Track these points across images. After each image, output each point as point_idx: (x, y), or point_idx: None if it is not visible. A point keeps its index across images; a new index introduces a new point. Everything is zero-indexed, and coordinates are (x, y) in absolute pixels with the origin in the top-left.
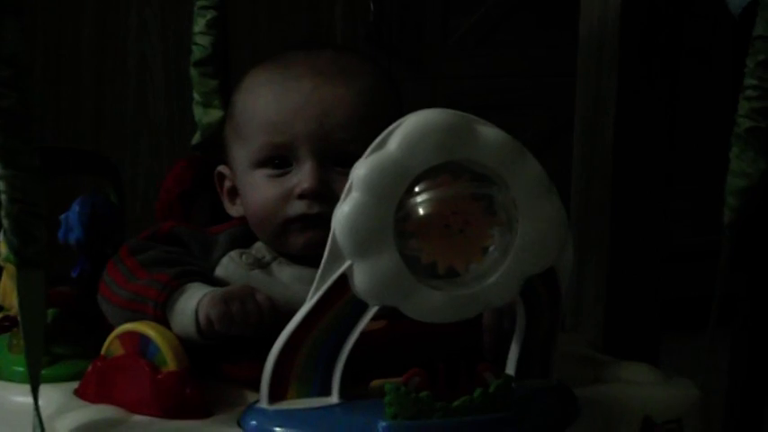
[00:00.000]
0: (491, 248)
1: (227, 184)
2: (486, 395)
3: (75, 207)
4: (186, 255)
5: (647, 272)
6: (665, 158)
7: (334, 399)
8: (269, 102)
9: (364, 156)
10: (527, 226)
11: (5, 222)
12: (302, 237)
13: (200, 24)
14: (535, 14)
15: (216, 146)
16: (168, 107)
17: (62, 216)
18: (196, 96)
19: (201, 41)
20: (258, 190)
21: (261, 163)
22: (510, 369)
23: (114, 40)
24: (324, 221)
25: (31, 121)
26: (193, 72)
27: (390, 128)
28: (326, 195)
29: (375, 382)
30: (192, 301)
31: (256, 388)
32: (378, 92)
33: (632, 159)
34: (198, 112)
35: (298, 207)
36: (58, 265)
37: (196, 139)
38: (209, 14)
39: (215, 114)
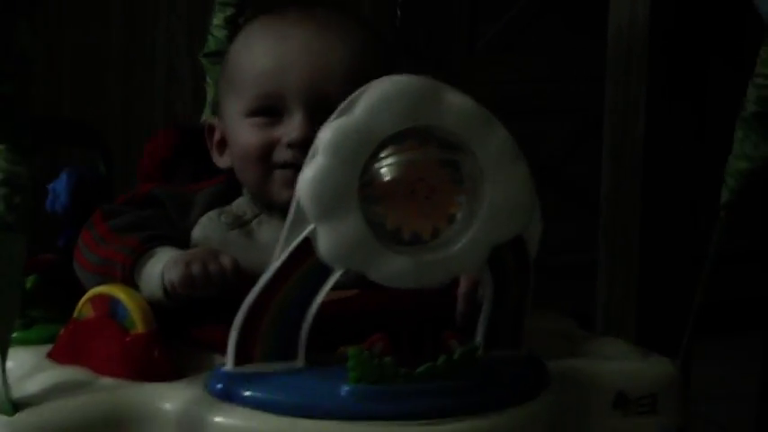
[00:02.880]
0: (457, 215)
1: (217, 135)
2: (450, 362)
3: (63, 176)
4: (161, 219)
5: (678, 276)
6: (696, 161)
7: (299, 363)
8: (261, 52)
9: (330, 119)
10: (494, 194)
11: None
12: (286, 185)
13: (218, 18)
14: (563, 18)
15: None
16: (197, 115)
17: (50, 185)
18: (208, 79)
19: (218, 34)
20: (246, 137)
21: (252, 112)
22: (479, 338)
23: (142, 49)
24: None
25: (27, 101)
26: (204, 61)
27: (356, 93)
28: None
29: (341, 349)
30: (159, 265)
31: (225, 351)
32: (370, 48)
33: (663, 162)
34: (210, 92)
35: (285, 155)
36: (46, 234)
37: (206, 114)
38: (229, 11)
39: None
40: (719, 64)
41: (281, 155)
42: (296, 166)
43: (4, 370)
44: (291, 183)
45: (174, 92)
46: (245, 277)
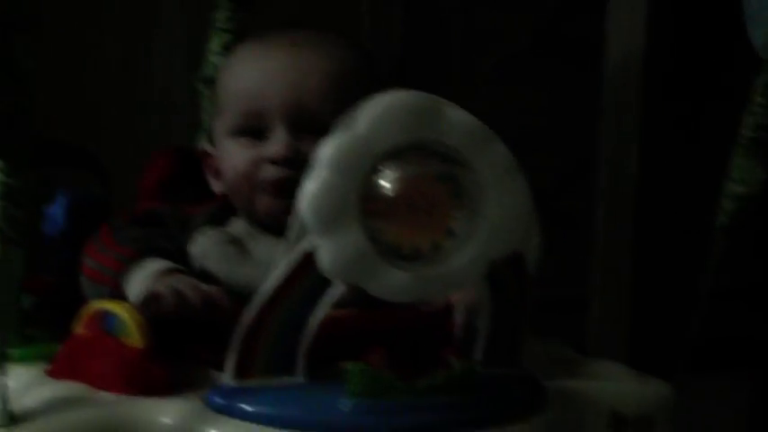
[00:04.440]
0: (456, 230)
1: (213, 161)
2: (450, 377)
3: (60, 200)
4: (160, 235)
5: (670, 310)
6: (690, 196)
7: (299, 377)
8: (244, 72)
9: (331, 134)
10: (492, 209)
11: None
12: (274, 202)
13: (215, 44)
14: (558, 53)
15: None
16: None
17: (46, 209)
18: (204, 105)
19: (214, 60)
20: (233, 157)
21: (236, 132)
22: (477, 355)
23: (138, 63)
24: (294, 187)
25: (28, 112)
26: (200, 86)
27: (358, 107)
28: (298, 161)
29: (341, 364)
30: (144, 274)
31: (222, 367)
32: (353, 65)
33: (656, 197)
34: (206, 118)
35: (269, 171)
36: (43, 257)
37: (203, 140)
38: (226, 37)
39: None
40: (712, 97)
41: (267, 172)
42: (281, 181)
43: (3, 382)
44: (276, 201)
45: (170, 113)
46: (221, 306)
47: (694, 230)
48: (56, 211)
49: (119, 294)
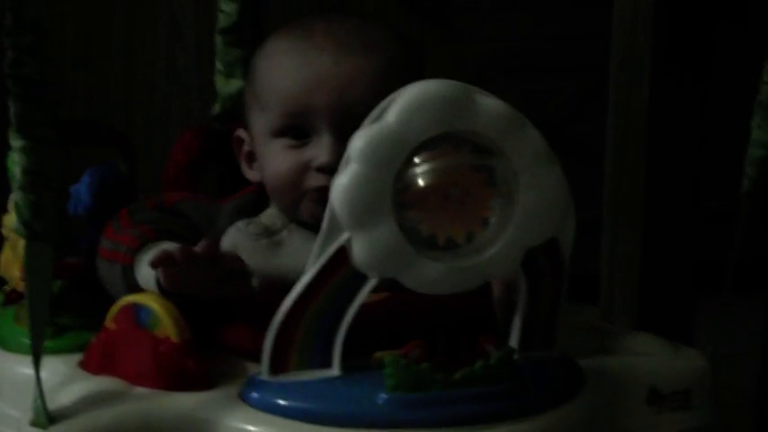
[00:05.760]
0: (491, 220)
1: (246, 148)
2: (488, 367)
3: (85, 178)
4: (185, 226)
5: (681, 235)
6: (700, 117)
7: (335, 371)
8: (289, 72)
9: (362, 127)
10: (528, 197)
11: (18, 194)
12: (318, 208)
13: None
14: None
15: (236, 117)
16: (199, 73)
17: (72, 187)
18: (218, 65)
19: (226, 8)
20: (276, 159)
21: (279, 132)
22: (512, 341)
23: (144, 6)
24: None
25: (49, 90)
26: (218, 39)
27: (388, 99)
28: None
29: (376, 355)
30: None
31: (258, 359)
32: (399, 65)
33: (667, 120)
34: (220, 81)
35: (316, 180)
36: (69, 236)
37: (216, 109)
38: None
39: (236, 85)
40: (723, 22)
41: (313, 180)
42: (326, 190)
43: (39, 381)
44: (322, 207)
45: (175, 47)
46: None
47: (707, 152)
48: (81, 190)
49: (129, 274)
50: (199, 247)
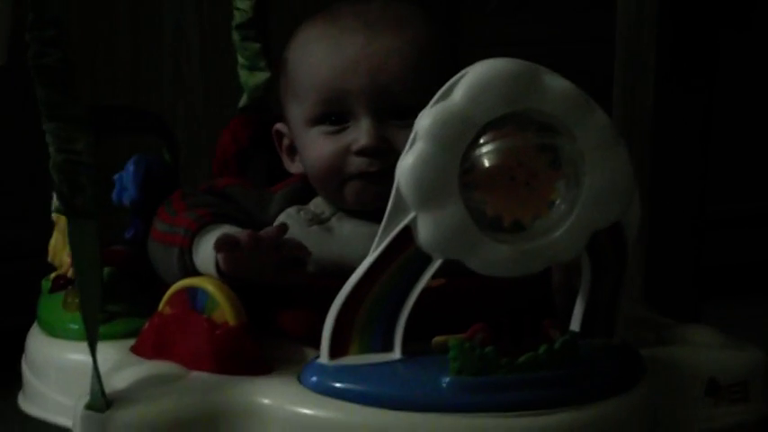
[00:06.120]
0: (557, 202)
1: (286, 141)
2: (552, 351)
3: (129, 167)
4: (238, 210)
5: (686, 239)
6: (705, 121)
7: (396, 354)
8: (321, 59)
9: (429, 105)
10: (594, 179)
11: (54, 174)
12: (362, 193)
13: None
14: None
15: (263, 107)
16: (204, 75)
17: (116, 176)
18: (241, 60)
19: (242, 6)
20: (316, 147)
21: (316, 120)
22: (575, 326)
23: (149, 11)
24: (383, 177)
25: (72, 76)
26: (235, 36)
27: (455, 77)
28: (385, 151)
29: (438, 339)
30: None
31: (314, 344)
32: (431, 41)
33: (671, 124)
34: (243, 74)
35: (357, 164)
36: (114, 226)
37: (243, 101)
38: None
39: (261, 76)
40: (727, 29)
41: (353, 165)
42: (368, 175)
43: (95, 364)
44: (365, 191)
45: (180, 49)
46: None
47: (711, 160)
48: (126, 178)
49: (187, 257)
50: (265, 233)
